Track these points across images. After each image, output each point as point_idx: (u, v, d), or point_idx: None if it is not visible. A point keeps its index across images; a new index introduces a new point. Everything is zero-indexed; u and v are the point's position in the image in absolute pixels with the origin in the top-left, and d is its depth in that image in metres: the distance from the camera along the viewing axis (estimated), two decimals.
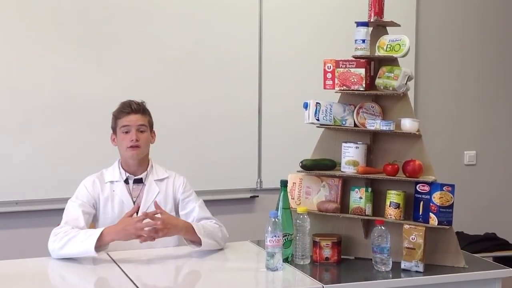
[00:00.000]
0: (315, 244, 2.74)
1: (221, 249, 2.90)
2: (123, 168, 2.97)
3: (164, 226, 2.72)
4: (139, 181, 2.97)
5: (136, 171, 2.97)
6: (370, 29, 2.86)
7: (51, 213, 3.72)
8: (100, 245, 2.68)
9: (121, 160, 2.99)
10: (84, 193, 2.91)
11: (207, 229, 2.86)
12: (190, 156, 4.17)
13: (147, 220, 2.72)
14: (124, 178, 2.96)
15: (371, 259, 2.68)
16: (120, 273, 2.57)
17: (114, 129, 2.98)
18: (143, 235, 2.70)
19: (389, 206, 2.73)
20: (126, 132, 2.91)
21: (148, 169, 2.99)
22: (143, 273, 2.62)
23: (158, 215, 2.74)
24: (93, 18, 3.97)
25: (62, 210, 2.90)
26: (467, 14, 4.91)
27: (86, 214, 2.85)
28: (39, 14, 3.87)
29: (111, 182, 2.95)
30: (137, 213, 2.89)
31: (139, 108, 2.94)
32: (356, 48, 2.82)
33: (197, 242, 2.81)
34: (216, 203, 3.63)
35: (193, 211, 2.98)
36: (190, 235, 2.81)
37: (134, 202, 2.93)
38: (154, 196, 2.95)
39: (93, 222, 2.95)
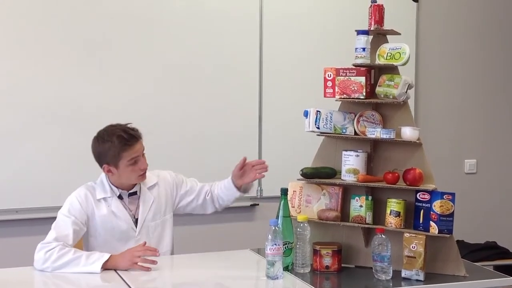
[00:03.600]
0: (315, 252, 2.73)
1: (221, 258, 2.89)
2: (114, 186, 2.88)
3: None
4: (133, 194, 2.93)
5: (129, 187, 2.91)
6: (371, 37, 2.86)
7: (51, 221, 3.69)
8: (102, 267, 2.67)
9: (110, 180, 2.89)
10: (77, 208, 2.82)
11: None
12: (190, 164, 4.16)
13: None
14: (118, 194, 2.89)
15: (372, 268, 2.68)
16: (120, 280, 2.57)
17: (112, 162, 2.80)
18: (137, 263, 2.66)
19: (390, 215, 2.73)
20: (135, 162, 2.80)
21: None
22: (141, 282, 2.61)
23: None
24: (95, 24, 3.97)
25: None
26: (467, 23, 4.92)
27: (76, 232, 2.78)
28: (41, 20, 3.88)
29: (104, 198, 2.87)
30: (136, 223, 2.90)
31: (138, 134, 2.84)
32: (356, 56, 2.83)
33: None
34: (216, 211, 3.60)
35: (203, 188, 3.09)
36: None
37: (133, 216, 2.89)
38: (149, 205, 2.92)
39: (85, 237, 2.90)
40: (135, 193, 2.92)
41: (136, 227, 2.89)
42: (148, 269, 2.66)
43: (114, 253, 2.73)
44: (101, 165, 2.86)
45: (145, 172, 2.86)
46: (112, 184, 2.89)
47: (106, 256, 2.68)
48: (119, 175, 2.84)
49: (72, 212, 2.81)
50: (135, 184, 2.92)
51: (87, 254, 2.70)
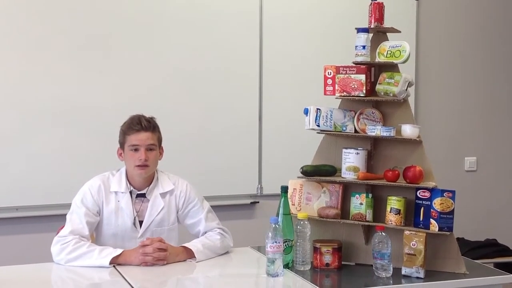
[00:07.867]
0: (315, 250, 2.74)
1: (222, 255, 2.90)
2: (128, 181, 2.91)
3: (168, 254, 2.74)
4: (141, 195, 2.93)
5: (141, 187, 2.92)
6: (371, 35, 2.86)
7: (51, 219, 3.72)
8: (113, 262, 2.70)
9: (127, 173, 2.93)
10: (89, 199, 2.86)
11: (206, 243, 2.85)
12: (191, 162, 4.17)
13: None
14: (130, 190, 2.90)
15: (372, 265, 2.68)
16: (120, 278, 2.57)
17: (122, 144, 2.90)
18: (146, 261, 2.70)
19: (390, 212, 2.73)
20: (135, 150, 2.84)
21: (153, 183, 2.93)
22: (144, 279, 2.61)
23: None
24: (96, 26, 3.97)
25: (63, 216, 2.90)
26: (467, 21, 4.92)
27: (90, 223, 2.82)
28: (40, 20, 3.87)
29: (116, 192, 2.89)
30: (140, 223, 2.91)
31: (149, 126, 2.86)
32: (356, 54, 2.83)
33: (193, 257, 2.81)
34: (217, 209, 3.59)
35: (200, 224, 2.96)
36: (189, 255, 2.81)
37: (135, 216, 2.88)
38: (158, 211, 2.91)
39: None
40: (143, 195, 2.92)
41: (138, 228, 2.89)
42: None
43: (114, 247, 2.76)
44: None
45: (144, 166, 2.84)
46: (128, 180, 2.91)
47: (118, 251, 2.71)
48: (126, 160, 2.89)
49: (84, 203, 2.85)
50: (147, 186, 2.92)
51: (100, 248, 2.74)
